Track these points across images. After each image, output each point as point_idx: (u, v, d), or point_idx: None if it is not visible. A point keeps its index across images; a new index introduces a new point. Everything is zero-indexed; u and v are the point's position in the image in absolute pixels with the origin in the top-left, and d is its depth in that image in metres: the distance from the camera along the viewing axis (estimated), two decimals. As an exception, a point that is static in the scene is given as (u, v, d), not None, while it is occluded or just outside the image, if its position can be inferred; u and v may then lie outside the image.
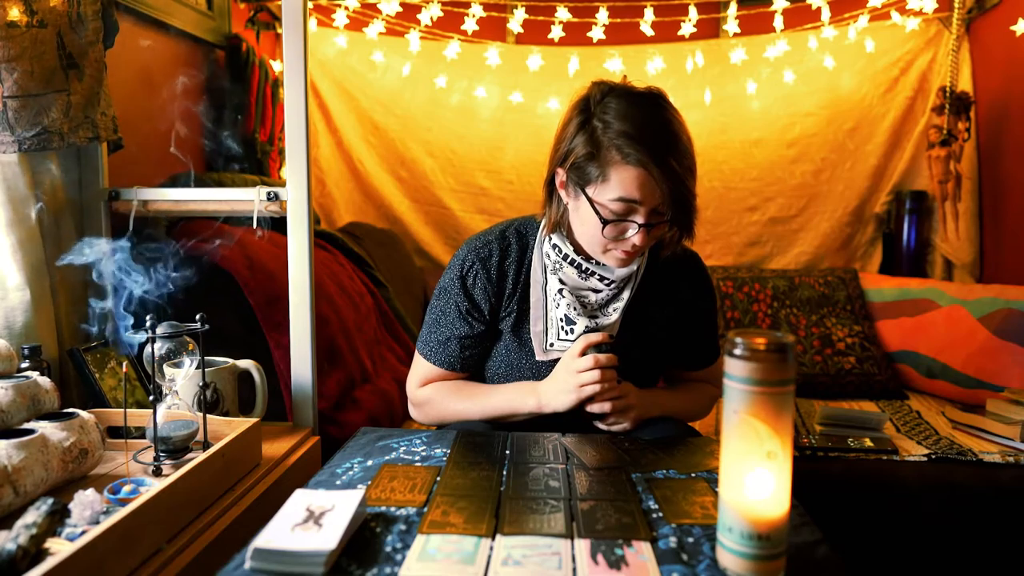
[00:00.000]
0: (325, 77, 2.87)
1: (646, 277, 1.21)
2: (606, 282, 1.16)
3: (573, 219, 1.14)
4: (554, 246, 1.17)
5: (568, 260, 1.16)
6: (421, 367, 1.26)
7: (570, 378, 1.09)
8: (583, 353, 1.10)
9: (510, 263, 1.20)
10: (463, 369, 1.24)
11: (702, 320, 1.26)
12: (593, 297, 1.17)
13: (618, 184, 1.04)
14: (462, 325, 1.20)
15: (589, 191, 1.07)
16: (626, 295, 1.18)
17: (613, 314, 1.17)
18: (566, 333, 1.16)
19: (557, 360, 1.17)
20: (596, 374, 1.07)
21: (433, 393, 1.23)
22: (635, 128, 1.03)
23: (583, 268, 1.16)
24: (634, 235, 1.07)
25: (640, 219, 1.06)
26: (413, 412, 1.29)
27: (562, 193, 1.14)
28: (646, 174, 1.03)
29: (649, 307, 1.22)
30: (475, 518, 0.79)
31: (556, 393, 1.11)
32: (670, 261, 1.23)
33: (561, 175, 1.13)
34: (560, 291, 1.16)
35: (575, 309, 1.15)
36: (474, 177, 2.93)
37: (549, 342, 1.18)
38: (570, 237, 1.17)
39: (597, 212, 1.07)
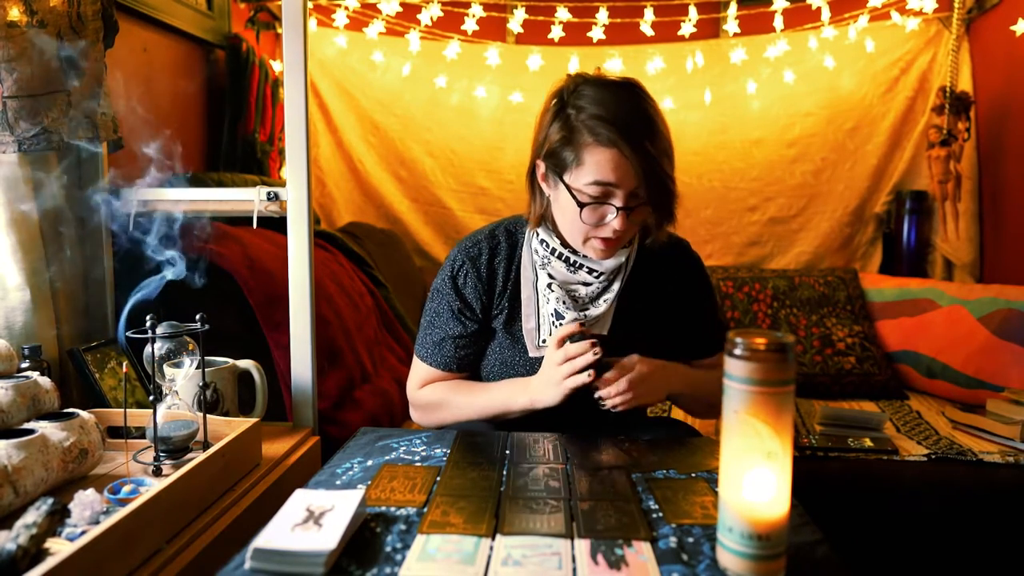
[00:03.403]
0: (325, 77, 2.87)
1: (637, 269, 1.21)
2: (595, 274, 1.16)
3: (555, 209, 1.14)
4: (542, 241, 1.18)
5: (556, 254, 1.16)
6: (419, 369, 1.26)
7: (553, 371, 1.08)
8: (560, 346, 1.09)
9: (500, 261, 1.21)
10: (459, 369, 1.24)
11: (699, 302, 1.25)
12: (583, 290, 1.17)
13: (593, 167, 1.04)
14: (455, 325, 1.21)
15: (566, 178, 1.08)
16: (616, 286, 1.17)
17: (603, 305, 1.17)
18: (557, 328, 1.16)
19: None
20: (577, 363, 1.06)
21: (431, 394, 1.24)
22: (607, 110, 1.04)
23: (571, 261, 1.16)
24: (613, 219, 1.07)
25: (618, 202, 1.06)
26: (414, 415, 1.29)
27: (543, 185, 1.15)
28: (619, 155, 1.03)
29: (641, 298, 1.22)
30: (475, 518, 0.79)
31: (544, 388, 1.10)
32: (659, 251, 1.22)
33: (541, 167, 1.13)
34: (549, 285, 1.16)
35: (564, 303, 1.15)
36: (474, 177, 2.93)
37: (542, 338, 1.18)
38: (556, 230, 1.17)
39: (574, 197, 1.07)
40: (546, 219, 1.18)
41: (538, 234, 1.18)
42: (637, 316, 1.22)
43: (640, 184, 1.05)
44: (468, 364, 1.25)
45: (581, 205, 1.06)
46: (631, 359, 1.09)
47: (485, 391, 1.19)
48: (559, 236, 1.17)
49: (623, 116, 1.04)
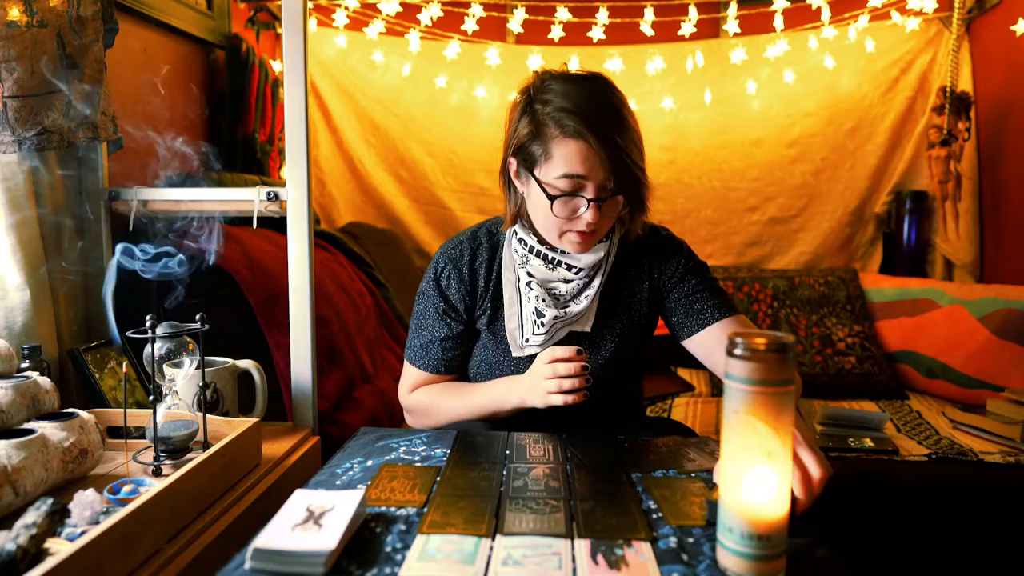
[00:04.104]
0: (325, 77, 2.87)
1: (619, 263, 1.20)
2: (574, 271, 1.15)
3: (528, 206, 1.14)
4: (520, 240, 1.17)
5: (534, 252, 1.16)
6: (410, 373, 1.27)
7: (539, 382, 1.07)
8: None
9: (481, 262, 1.21)
10: (447, 371, 1.24)
11: (693, 275, 1.21)
12: (563, 288, 1.16)
13: (561, 160, 1.04)
14: (441, 327, 1.21)
15: (537, 172, 1.08)
16: (596, 282, 1.17)
17: (584, 301, 1.16)
18: (538, 327, 1.15)
19: (534, 356, 1.17)
20: (564, 384, 1.04)
21: (423, 397, 1.24)
22: (573, 103, 1.04)
23: (549, 259, 1.15)
24: (585, 212, 1.06)
25: (589, 195, 1.05)
26: (408, 419, 1.30)
27: (516, 183, 1.15)
28: (586, 146, 1.02)
29: (625, 292, 1.22)
30: (475, 518, 0.79)
31: (530, 392, 1.09)
32: (640, 243, 1.22)
33: (512, 164, 1.13)
34: (529, 284, 1.16)
35: (544, 300, 1.15)
36: (474, 177, 2.93)
37: (525, 338, 1.18)
38: (532, 228, 1.17)
39: (545, 191, 1.06)
40: (521, 217, 1.17)
41: (516, 233, 1.18)
42: (621, 310, 1.21)
43: (609, 176, 1.04)
44: (456, 366, 1.25)
45: (552, 198, 1.06)
46: (810, 470, 0.82)
47: (475, 391, 1.19)
48: (536, 234, 1.17)
49: (589, 108, 1.04)
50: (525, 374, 1.13)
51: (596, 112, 1.04)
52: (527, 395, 1.10)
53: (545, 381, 1.06)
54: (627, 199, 1.09)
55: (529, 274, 1.16)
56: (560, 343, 1.19)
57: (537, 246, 1.16)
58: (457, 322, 1.22)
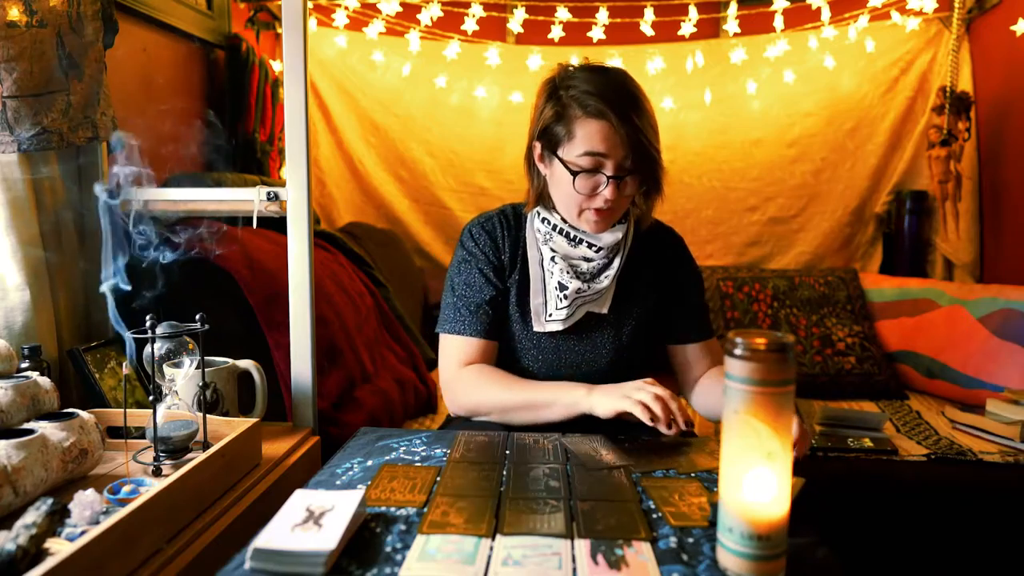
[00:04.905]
0: (325, 77, 2.87)
1: (632, 252, 1.26)
2: (595, 248, 1.20)
3: (551, 185, 1.21)
4: (543, 219, 1.23)
5: (557, 229, 1.22)
6: (458, 346, 1.23)
7: (632, 388, 1.06)
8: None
9: (509, 237, 1.27)
10: (496, 336, 1.25)
11: (686, 286, 1.30)
12: (585, 266, 1.21)
13: (583, 138, 1.11)
14: (489, 289, 1.24)
15: (560, 153, 1.15)
16: (617, 262, 1.22)
17: (605, 281, 1.21)
18: (561, 300, 1.19)
19: (557, 333, 1.22)
20: (655, 407, 1.03)
21: (475, 373, 1.21)
22: (595, 87, 1.11)
23: (571, 236, 1.21)
24: (604, 189, 1.12)
25: (608, 171, 1.12)
26: (447, 397, 1.25)
27: (540, 166, 1.21)
28: (607, 125, 1.09)
29: (637, 280, 1.27)
30: (475, 518, 0.79)
31: (607, 393, 1.08)
32: (651, 235, 1.29)
33: (537, 147, 1.20)
34: (552, 259, 1.21)
35: (568, 273, 1.20)
36: (474, 177, 2.93)
37: (548, 313, 1.22)
38: (554, 208, 1.23)
39: (567, 167, 1.13)
40: (543, 198, 1.24)
41: (539, 214, 1.24)
42: (637, 297, 1.27)
43: (628, 154, 1.11)
44: (499, 332, 1.26)
45: (574, 174, 1.12)
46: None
47: (531, 383, 1.18)
48: (557, 214, 1.22)
49: (610, 91, 1.11)
50: (611, 383, 1.10)
51: (617, 95, 1.11)
52: (595, 397, 1.09)
53: (641, 388, 1.05)
54: (643, 178, 1.16)
55: (552, 249, 1.21)
56: (579, 324, 1.22)
57: (560, 224, 1.21)
58: (501, 283, 1.25)
